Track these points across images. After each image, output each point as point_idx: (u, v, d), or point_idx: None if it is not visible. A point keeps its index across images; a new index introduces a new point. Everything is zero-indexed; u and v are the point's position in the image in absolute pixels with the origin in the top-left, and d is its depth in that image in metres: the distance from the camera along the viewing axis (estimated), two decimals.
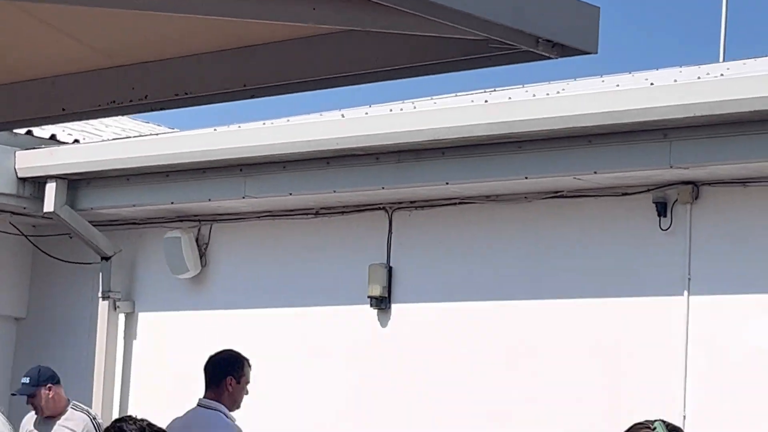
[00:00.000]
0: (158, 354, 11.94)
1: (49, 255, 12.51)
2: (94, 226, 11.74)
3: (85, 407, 9.75)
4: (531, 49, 3.95)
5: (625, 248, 9.43)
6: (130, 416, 4.36)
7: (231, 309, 11.38)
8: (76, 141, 12.16)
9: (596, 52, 4.14)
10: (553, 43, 3.94)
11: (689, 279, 8.97)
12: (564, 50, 4.00)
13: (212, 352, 8.33)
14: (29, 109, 5.58)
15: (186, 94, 5.13)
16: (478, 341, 9.90)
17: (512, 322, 9.78)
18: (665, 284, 9.18)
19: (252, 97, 5.47)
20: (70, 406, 9.93)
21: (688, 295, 8.97)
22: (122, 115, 11.61)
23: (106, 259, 11.86)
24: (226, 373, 6.95)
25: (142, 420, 4.21)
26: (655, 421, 3.51)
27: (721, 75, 9.62)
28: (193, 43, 4.84)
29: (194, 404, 7.13)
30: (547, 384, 9.03)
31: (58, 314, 12.58)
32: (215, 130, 10.88)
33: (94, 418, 10.00)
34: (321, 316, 10.66)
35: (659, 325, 9.25)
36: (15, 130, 11.19)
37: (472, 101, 10.29)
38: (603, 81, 10.89)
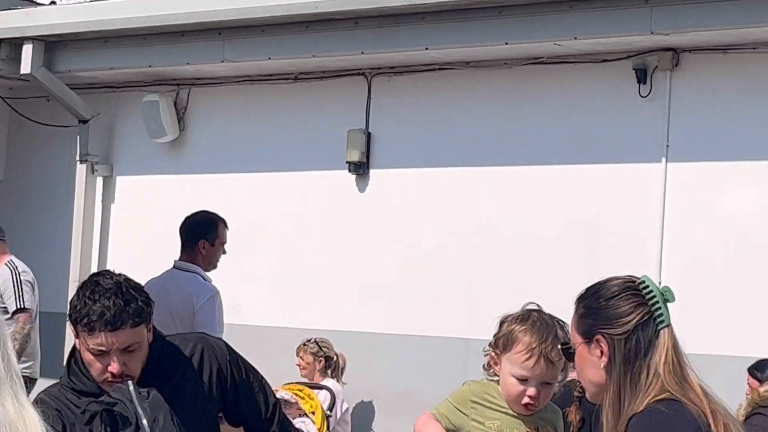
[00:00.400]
0: (136, 217, 12.05)
1: (26, 117, 12.49)
2: (71, 88, 11.67)
3: (17, 263, 9.25)
4: None
5: (604, 115, 9.54)
6: (107, 270, 4.28)
7: (209, 173, 11.47)
8: (53, 2, 11.93)
9: None
10: None
11: (667, 146, 9.06)
12: None
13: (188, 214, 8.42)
14: None
15: None
16: (456, 207, 9.92)
17: (490, 189, 9.80)
18: (644, 151, 9.32)
19: None
20: (5, 262, 9.71)
21: (666, 161, 9.15)
22: None
23: (84, 122, 11.84)
24: (199, 236, 6.95)
25: (120, 275, 4.16)
26: (636, 276, 3.41)
27: None
28: None
29: (171, 266, 7.13)
30: (524, 251, 9.07)
31: (37, 177, 12.67)
32: None
33: (19, 274, 9.58)
34: (299, 180, 10.68)
35: (637, 191, 9.35)
36: None
37: None
38: None
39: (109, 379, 4.04)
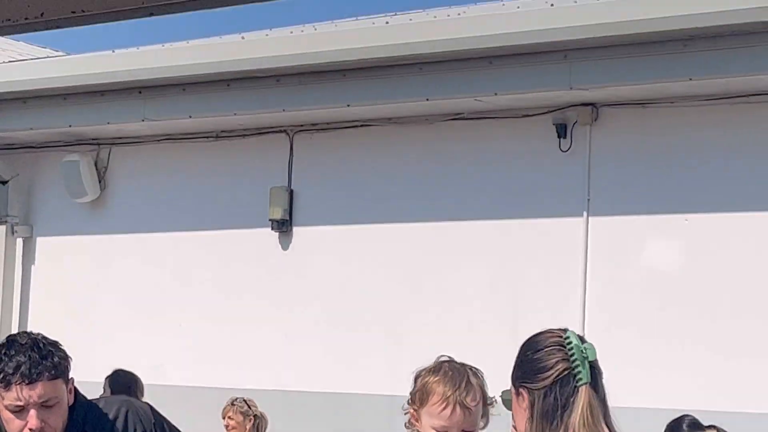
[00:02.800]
0: (58, 278, 11.82)
1: None
2: None
3: None
4: None
5: (525, 170, 9.45)
6: (25, 331, 4.24)
7: (131, 233, 11.25)
8: None
9: None
10: None
11: (588, 200, 8.96)
12: None
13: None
14: None
15: (83, 11, 5.07)
16: (380, 263, 9.81)
17: (413, 245, 9.69)
18: (566, 205, 9.22)
19: (150, 15, 5.29)
20: None
21: (588, 215, 9.00)
22: (17, 33, 10.66)
23: (3, 183, 11.73)
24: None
25: (37, 333, 4.10)
26: (566, 330, 3.39)
27: None
28: None
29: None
30: (447, 306, 8.94)
31: None
32: (113, 52, 10.65)
33: None
34: (222, 238, 10.53)
35: (559, 246, 9.23)
36: None
37: (374, 23, 10.20)
38: (503, 5, 10.45)
39: None
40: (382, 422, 8.90)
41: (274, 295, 10.28)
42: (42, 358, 3.95)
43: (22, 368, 3.92)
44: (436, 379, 3.82)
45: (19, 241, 11.85)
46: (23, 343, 4.03)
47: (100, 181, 11.20)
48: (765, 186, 8.76)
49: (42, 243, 11.83)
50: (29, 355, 3.95)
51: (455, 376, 3.83)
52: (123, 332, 11.05)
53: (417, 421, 3.86)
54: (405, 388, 5.97)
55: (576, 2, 9.46)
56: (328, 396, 9.81)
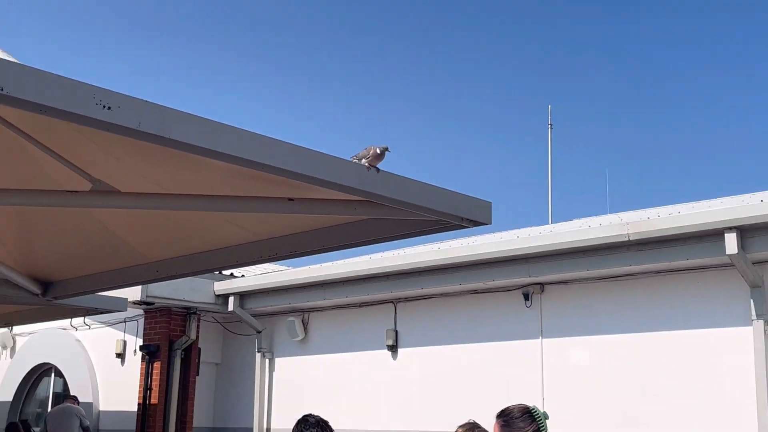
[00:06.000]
0: (289, 383, 13.60)
1: (231, 331, 14.93)
2: (253, 316, 14.10)
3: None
4: (459, 223, 4.98)
5: (505, 321, 11.03)
6: (310, 414, 4.94)
7: (323, 354, 13.39)
8: (243, 275, 14.17)
9: (491, 223, 5.09)
10: (470, 220, 4.95)
11: (542, 332, 10.45)
12: (475, 223, 5.00)
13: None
14: (219, 261, 6.79)
15: (276, 254, 6.16)
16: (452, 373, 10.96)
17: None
18: (529, 336, 10.69)
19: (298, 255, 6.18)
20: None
21: (542, 339, 10.68)
22: (263, 263, 9.86)
23: (259, 332, 14.21)
24: None
25: (317, 415, 4.86)
26: (533, 405, 3.88)
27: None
28: (285, 228, 5.87)
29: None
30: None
31: (236, 362, 14.85)
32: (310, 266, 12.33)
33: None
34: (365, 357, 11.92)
35: (522, 360, 10.65)
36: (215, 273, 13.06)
37: None
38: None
39: None
40: None
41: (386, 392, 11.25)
42: (322, 430, 4.77)
43: None
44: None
45: (267, 361, 14.21)
46: (312, 421, 4.81)
47: (304, 329, 13.75)
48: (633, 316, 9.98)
49: (278, 362, 14.05)
50: (318, 428, 4.74)
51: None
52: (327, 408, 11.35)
53: None
54: None
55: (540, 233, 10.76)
56: None
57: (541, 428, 3.78)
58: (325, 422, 4.78)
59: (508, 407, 3.93)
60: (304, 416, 4.83)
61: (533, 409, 3.86)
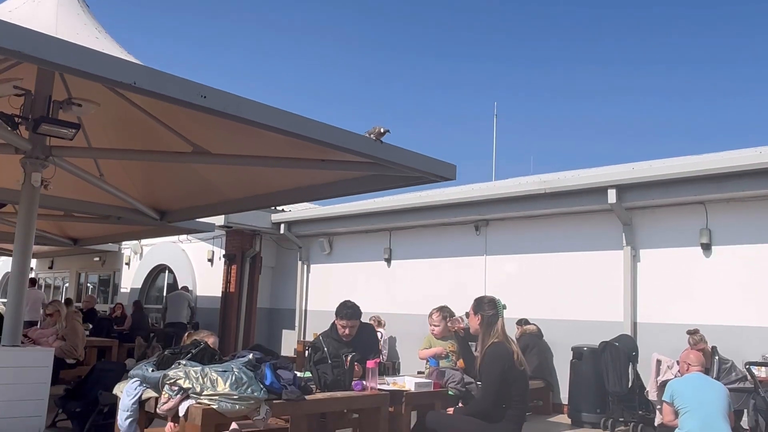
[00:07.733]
0: (323, 282, 12.55)
1: (282, 246, 13.61)
2: (296, 237, 12.92)
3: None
4: (434, 178, 4.78)
5: (470, 238, 10.04)
6: (349, 299, 4.71)
7: (340, 263, 12.26)
8: (290, 210, 12.86)
9: (455, 179, 4.92)
10: (441, 176, 4.86)
11: (486, 253, 9.76)
12: (444, 178, 4.79)
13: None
14: (275, 200, 6.37)
15: (312, 196, 5.64)
16: None
17: None
18: (477, 257, 9.98)
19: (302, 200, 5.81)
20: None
21: (485, 257, 9.97)
22: (303, 202, 10.70)
23: (300, 247, 12.92)
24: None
25: (353, 301, 4.61)
26: (497, 298, 3.70)
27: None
28: (318, 180, 5.57)
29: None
30: None
31: (284, 267, 13.49)
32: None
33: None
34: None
35: (471, 274, 9.94)
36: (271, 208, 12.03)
37: None
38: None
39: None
40: None
41: None
42: (353, 309, 4.60)
43: (348, 311, 4.54)
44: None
45: (305, 267, 13.07)
46: (349, 304, 4.62)
47: (330, 247, 12.63)
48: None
49: (312, 267, 13.05)
50: (350, 307, 4.62)
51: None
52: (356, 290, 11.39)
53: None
54: None
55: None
56: None
57: (500, 314, 3.76)
58: (357, 306, 4.61)
59: (482, 296, 3.93)
60: (344, 301, 4.64)
61: (497, 300, 3.83)
